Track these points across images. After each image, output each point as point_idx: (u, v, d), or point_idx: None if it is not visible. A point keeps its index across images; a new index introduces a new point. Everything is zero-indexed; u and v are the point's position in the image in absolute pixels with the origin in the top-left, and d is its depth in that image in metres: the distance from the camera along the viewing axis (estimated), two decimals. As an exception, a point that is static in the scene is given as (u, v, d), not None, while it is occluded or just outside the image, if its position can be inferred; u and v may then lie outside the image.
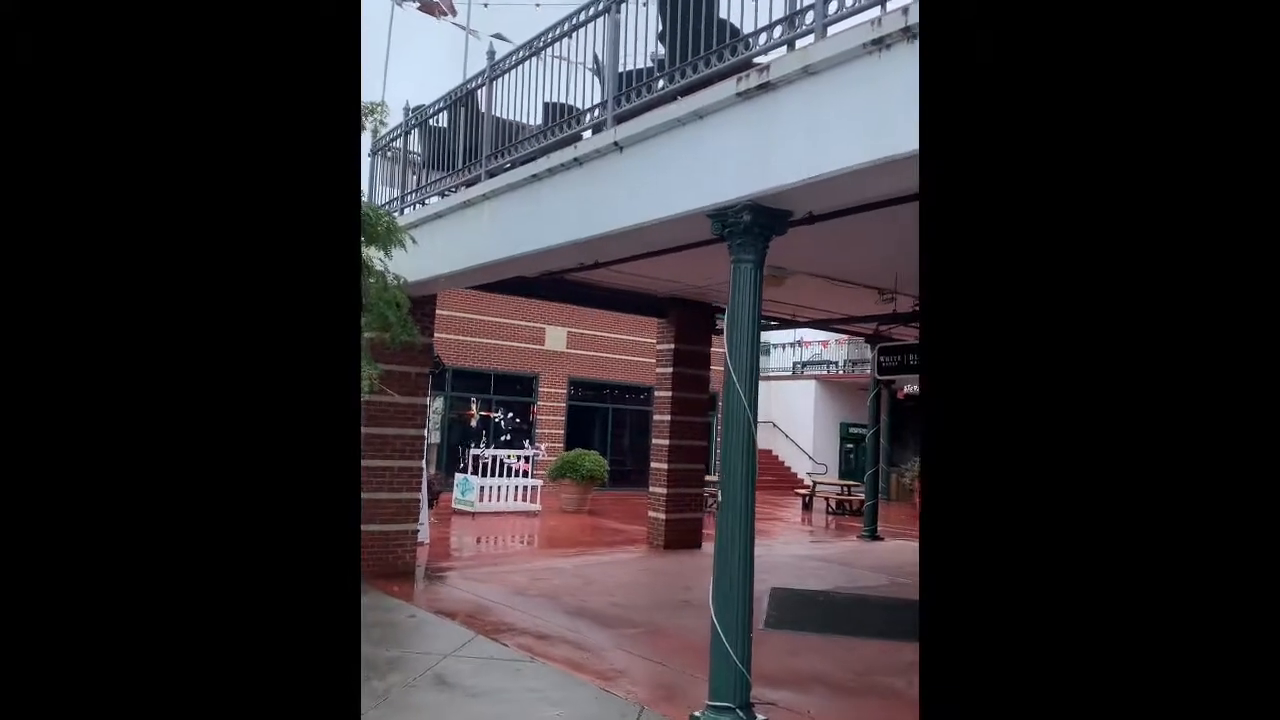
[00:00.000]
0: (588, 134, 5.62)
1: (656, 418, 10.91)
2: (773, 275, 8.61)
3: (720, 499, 4.49)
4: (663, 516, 10.55)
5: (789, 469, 22.66)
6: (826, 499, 17.32)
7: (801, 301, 10.26)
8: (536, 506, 13.82)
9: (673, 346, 10.74)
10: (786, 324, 12.20)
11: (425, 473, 9.37)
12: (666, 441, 10.65)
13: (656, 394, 10.97)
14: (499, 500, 13.57)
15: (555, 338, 18.75)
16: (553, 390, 18.73)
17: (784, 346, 24.43)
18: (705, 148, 4.56)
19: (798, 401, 23.03)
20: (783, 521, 15.52)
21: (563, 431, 18.64)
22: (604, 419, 19.70)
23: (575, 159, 5.50)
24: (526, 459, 14.15)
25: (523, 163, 6.13)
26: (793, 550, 11.36)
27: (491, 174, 6.63)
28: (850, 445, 23.68)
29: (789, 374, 24.08)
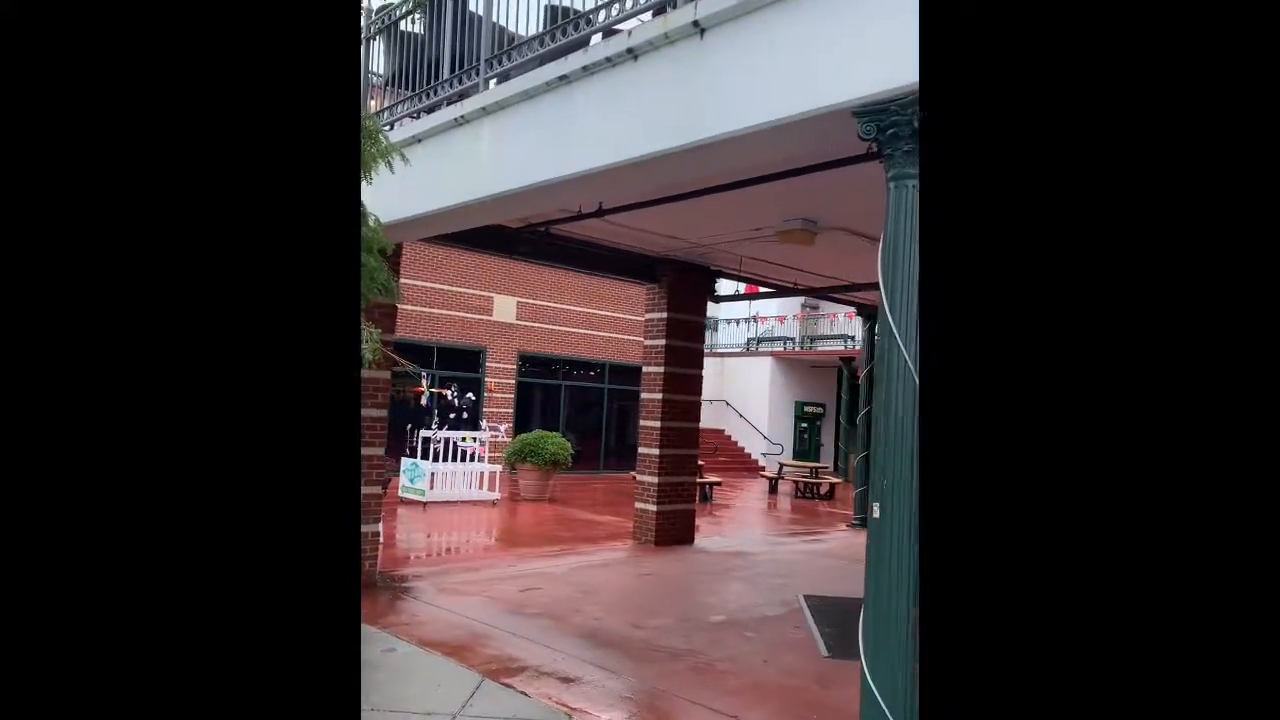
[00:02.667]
0: (610, 30, 4.24)
1: (645, 396, 9.57)
2: (804, 230, 7.38)
3: (875, 504, 3.21)
4: (653, 508, 9.26)
5: (743, 449, 21.66)
6: (796, 482, 16.35)
7: (810, 266, 9.07)
8: (495, 495, 12.34)
9: (665, 315, 9.41)
10: (783, 291, 11.00)
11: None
12: (657, 424, 9.34)
13: (645, 370, 9.63)
14: (453, 487, 12.03)
15: (504, 308, 17.18)
16: (501, 365, 17.17)
17: (736, 322, 23.27)
18: (845, 21, 3.25)
19: (752, 379, 21.99)
20: (756, 509, 14.42)
21: (512, 410, 17.14)
22: (555, 396, 18.25)
23: (628, 49, 4.11)
24: (483, 442, 12.62)
25: (545, 62, 4.69)
26: (793, 546, 10.22)
27: (490, 81, 5.16)
28: (805, 425, 22.80)
29: (742, 350, 22.97)
